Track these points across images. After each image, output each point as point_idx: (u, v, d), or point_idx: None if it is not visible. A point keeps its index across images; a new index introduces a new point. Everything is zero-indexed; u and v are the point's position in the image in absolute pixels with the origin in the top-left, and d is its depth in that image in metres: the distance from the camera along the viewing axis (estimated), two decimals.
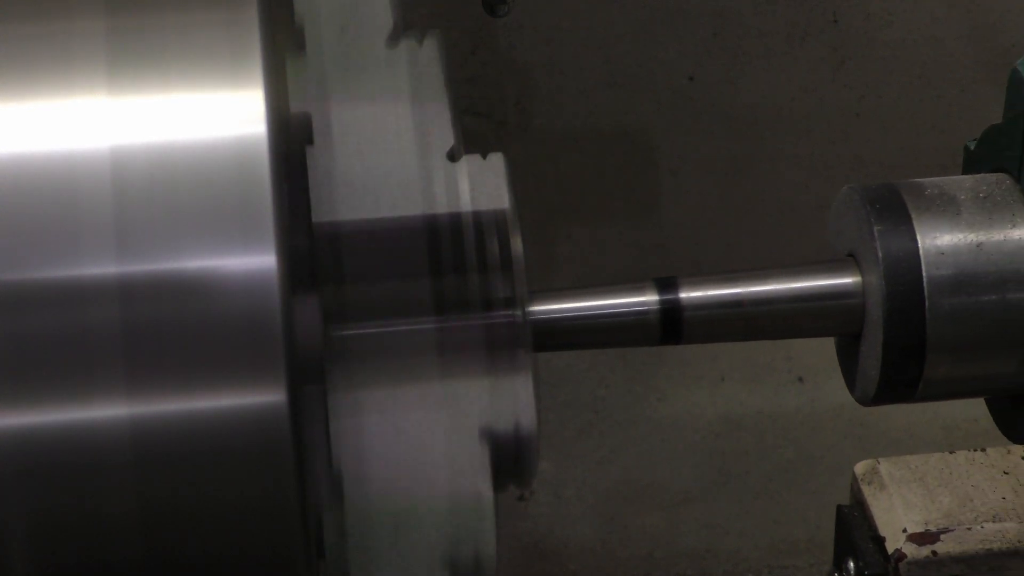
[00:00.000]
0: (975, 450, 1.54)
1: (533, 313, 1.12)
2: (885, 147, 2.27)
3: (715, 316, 1.16)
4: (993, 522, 1.46)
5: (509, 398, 1.08)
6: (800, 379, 2.43)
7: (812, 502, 2.47)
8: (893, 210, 1.16)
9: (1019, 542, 1.45)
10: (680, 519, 2.47)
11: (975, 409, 2.51)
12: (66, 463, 0.92)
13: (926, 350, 1.15)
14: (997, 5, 2.21)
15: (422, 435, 1.05)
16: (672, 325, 1.15)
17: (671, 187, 2.30)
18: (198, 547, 0.95)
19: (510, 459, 1.10)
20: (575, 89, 2.22)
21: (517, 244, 1.09)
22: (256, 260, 0.92)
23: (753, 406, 2.43)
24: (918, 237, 1.15)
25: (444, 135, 1.10)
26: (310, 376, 0.99)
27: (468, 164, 1.11)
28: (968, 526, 1.45)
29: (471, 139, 1.13)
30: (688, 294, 1.15)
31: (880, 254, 1.15)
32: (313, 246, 1.03)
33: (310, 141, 1.05)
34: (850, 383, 1.22)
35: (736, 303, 1.17)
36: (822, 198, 2.32)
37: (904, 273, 1.14)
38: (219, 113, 0.95)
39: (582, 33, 2.19)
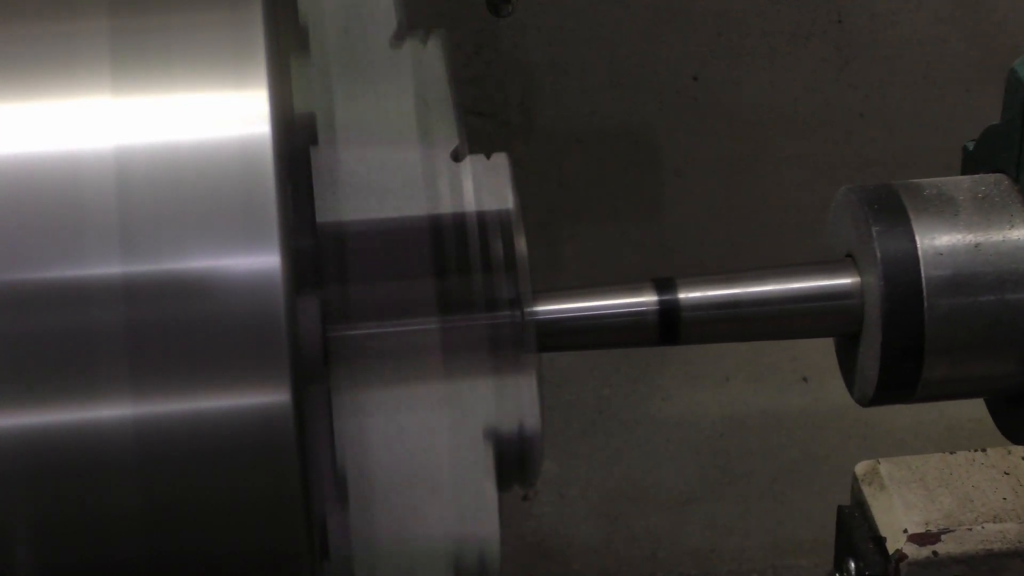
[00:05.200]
0: (975, 451, 1.54)
1: (532, 313, 1.12)
2: (889, 147, 2.27)
3: (712, 317, 1.16)
4: (993, 523, 1.46)
5: (513, 398, 1.08)
6: (804, 379, 2.43)
7: (816, 502, 2.47)
8: (891, 211, 1.16)
9: (1019, 543, 1.45)
10: (684, 519, 2.47)
11: (979, 409, 2.51)
12: (70, 463, 0.92)
13: (924, 351, 1.14)
14: (1001, 5, 2.20)
15: (426, 435, 1.05)
16: (670, 326, 1.15)
17: (675, 187, 2.30)
18: (202, 547, 0.95)
19: (514, 459, 1.10)
20: (579, 89, 2.22)
21: (521, 244, 1.09)
22: (260, 260, 0.93)
23: (757, 406, 2.43)
24: (916, 238, 1.15)
25: (448, 135, 1.10)
26: (314, 376, 0.99)
27: (472, 164, 1.11)
28: (968, 527, 1.45)
29: (475, 139, 1.13)
30: (686, 295, 1.15)
31: (879, 254, 1.14)
32: (317, 246, 1.03)
33: (314, 141, 1.05)
34: (849, 384, 1.22)
35: (734, 304, 1.16)
36: (826, 198, 2.31)
37: (902, 274, 1.14)
38: (223, 113, 0.95)
39: (586, 33, 2.19)
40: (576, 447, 2.42)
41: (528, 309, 1.11)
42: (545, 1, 2.16)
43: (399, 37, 1.12)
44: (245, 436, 0.93)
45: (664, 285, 1.15)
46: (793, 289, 1.17)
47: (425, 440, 1.05)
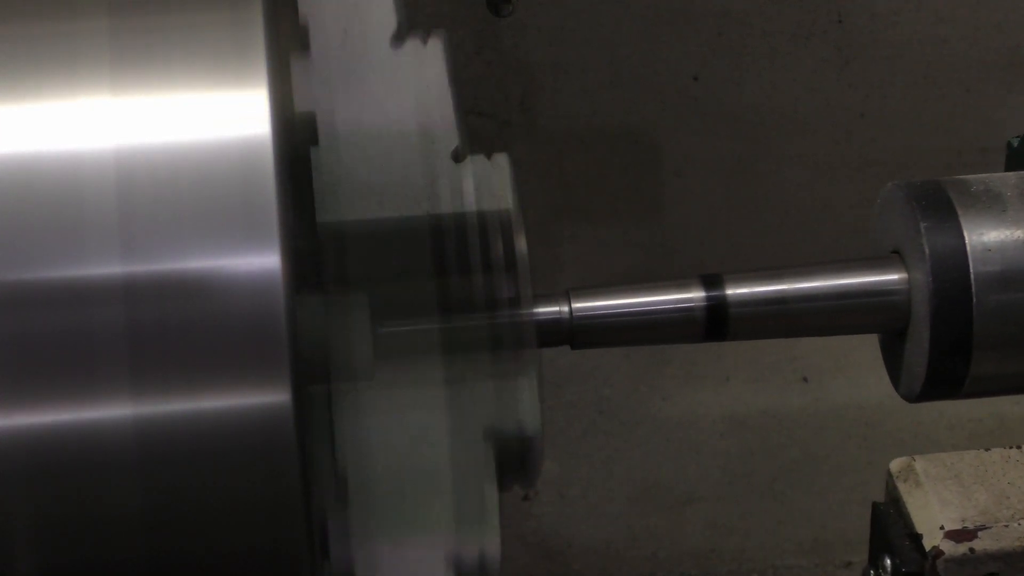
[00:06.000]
0: (1010, 447, 1.54)
1: (577, 310, 1.12)
2: (890, 147, 2.27)
3: (760, 313, 1.16)
4: None
5: (513, 398, 1.08)
6: (805, 379, 2.43)
7: (817, 502, 2.47)
8: (939, 207, 1.16)
9: None
10: (684, 519, 2.47)
11: (980, 409, 2.51)
12: (71, 463, 0.92)
13: (972, 347, 1.14)
14: (1002, 5, 2.20)
15: (426, 435, 1.05)
16: (717, 322, 1.15)
17: (675, 187, 2.30)
18: (202, 548, 0.95)
19: (515, 459, 1.10)
20: (579, 89, 2.22)
21: (521, 244, 1.09)
22: (260, 260, 0.93)
23: (758, 406, 2.43)
24: (965, 233, 1.15)
25: (448, 135, 1.10)
26: (315, 376, 0.99)
27: (472, 164, 1.11)
28: (1005, 523, 1.45)
29: (475, 139, 1.13)
30: (734, 291, 1.15)
31: (927, 251, 1.14)
32: (318, 246, 1.03)
33: (315, 141, 1.05)
34: (895, 380, 1.22)
35: (781, 300, 1.16)
36: (826, 198, 2.33)
37: (951, 270, 1.14)
38: (223, 114, 0.95)
39: (586, 33, 2.19)
40: (577, 447, 2.42)
41: (575, 305, 1.12)
42: (545, 1, 2.16)
43: (399, 37, 1.12)
44: (245, 436, 0.93)
45: (711, 281, 1.15)
46: (840, 285, 1.17)
47: (425, 440, 1.05)
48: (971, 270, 1.14)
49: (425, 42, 1.13)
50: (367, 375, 1.03)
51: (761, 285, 1.16)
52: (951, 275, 1.14)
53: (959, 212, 1.16)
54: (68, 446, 0.92)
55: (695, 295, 1.15)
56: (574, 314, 1.12)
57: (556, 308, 1.13)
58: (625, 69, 2.21)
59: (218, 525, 0.94)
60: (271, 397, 0.93)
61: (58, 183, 0.93)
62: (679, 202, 2.31)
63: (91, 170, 0.93)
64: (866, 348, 2.53)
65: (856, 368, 2.42)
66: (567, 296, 1.13)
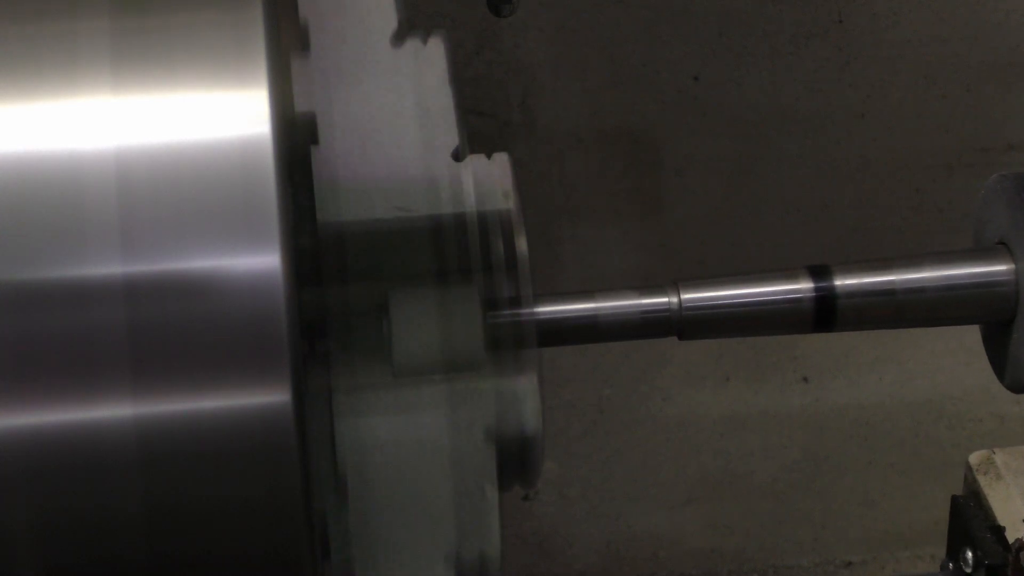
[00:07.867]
0: None
1: (686, 301, 1.13)
2: (890, 147, 2.27)
3: (868, 304, 1.17)
4: None
5: (514, 398, 1.08)
6: (805, 379, 2.43)
7: (817, 502, 2.47)
8: None
9: None
10: (685, 519, 2.47)
11: (980, 409, 2.51)
12: (71, 463, 0.92)
13: None
14: (1002, 5, 2.21)
15: (427, 435, 1.05)
16: (826, 312, 1.16)
17: (676, 187, 2.30)
18: (203, 547, 0.95)
19: (515, 459, 1.10)
20: (580, 89, 2.22)
21: (522, 244, 1.09)
22: (261, 260, 0.93)
23: (758, 406, 2.43)
24: None
25: (449, 135, 1.10)
26: (315, 376, 0.99)
27: (473, 164, 1.11)
28: None
29: (475, 139, 1.13)
30: (842, 281, 1.16)
31: None
32: (318, 246, 1.03)
33: (315, 141, 1.05)
34: (998, 371, 1.22)
35: (889, 291, 1.17)
36: (827, 198, 2.33)
37: None
38: (224, 113, 0.95)
39: (587, 33, 2.19)
40: (577, 447, 2.42)
41: (684, 297, 1.13)
42: (545, 1, 2.16)
43: (399, 37, 1.12)
44: (246, 436, 0.93)
45: (819, 272, 1.16)
46: (948, 276, 1.18)
47: (426, 440, 1.05)
48: None
49: (425, 42, 1.13)
50: (480, 366, 1.03)
51: (869, 276, 1.17)
52: None
53: None
54: (68, 446, 0.92)
55: (803, 286, 1.16)
56: (683, 305, 1.13)
57: (665, 300, 1.14)
58: (625, 69, 2.21)
59: (218, 525, 0.94)
60: (271, 397, 0.93)
61: (58, 183, 0.93)
62: (680, 202, 2.31)
63: (91, 170, 0.93)
64: (866, 348, 2.53)
65: (856, 368, 2.42)
66: (676, 287, 1.14)
